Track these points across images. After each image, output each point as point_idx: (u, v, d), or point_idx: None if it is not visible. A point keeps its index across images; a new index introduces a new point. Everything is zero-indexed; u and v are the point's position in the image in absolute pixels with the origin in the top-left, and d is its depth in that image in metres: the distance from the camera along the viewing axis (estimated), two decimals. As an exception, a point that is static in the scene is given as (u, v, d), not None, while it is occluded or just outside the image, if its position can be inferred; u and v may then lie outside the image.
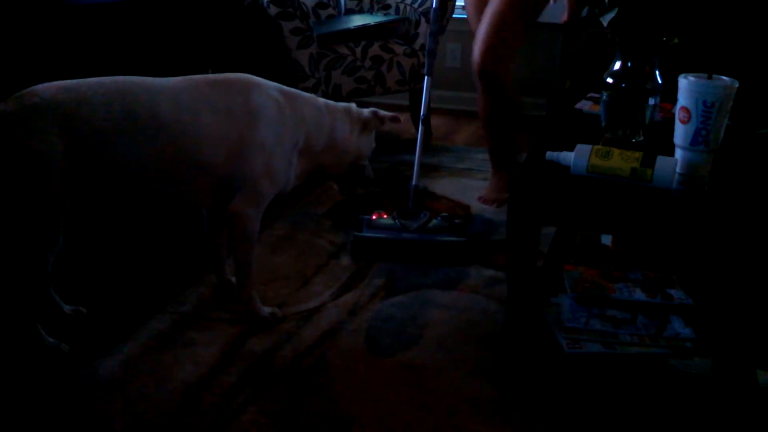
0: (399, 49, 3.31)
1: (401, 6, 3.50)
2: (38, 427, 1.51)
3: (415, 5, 3.41)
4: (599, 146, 1.43)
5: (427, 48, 2.56)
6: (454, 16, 3.40)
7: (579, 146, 1.44)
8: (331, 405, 1.58)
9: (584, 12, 1.65)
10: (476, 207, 2.68)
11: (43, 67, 2.12)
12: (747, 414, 1.45)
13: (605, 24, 1.56)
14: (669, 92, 1.53)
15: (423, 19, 3.34)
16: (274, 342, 1.82)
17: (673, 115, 1.47)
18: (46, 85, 1.60)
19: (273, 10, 2.97)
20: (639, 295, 1.65)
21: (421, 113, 2.54)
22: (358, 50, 3.21)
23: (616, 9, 1.53)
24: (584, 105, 1.94)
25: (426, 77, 2.55)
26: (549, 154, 1.47)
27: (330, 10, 3.64)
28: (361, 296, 2.05)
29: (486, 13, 2.43)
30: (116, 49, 2.44)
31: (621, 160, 1.40)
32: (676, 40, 1.56)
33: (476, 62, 2.46)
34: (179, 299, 2.01)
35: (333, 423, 1.52)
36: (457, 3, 3.43)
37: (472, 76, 2.55)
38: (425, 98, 2.57)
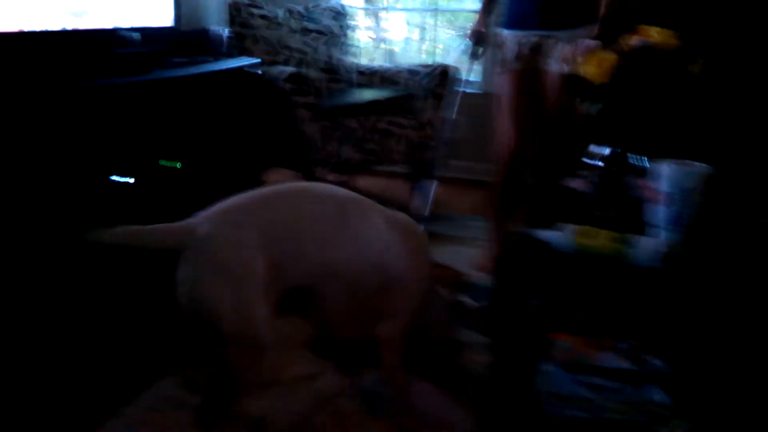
0: (407, 122, 3.46)
1: (410, 82, 3.67)
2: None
3: (423, 82, 3.58)
4: (585, 226, 1.54)
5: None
6: (456, 88, 3.55)
7: (563, 225, 1.55)
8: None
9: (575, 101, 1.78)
10: (474, 275, 2.77)
11: (58, 148, 2.25)
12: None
13: (593, 113, 1.68)
14: (651, 173, 1.64)
15: (430, 95, 3.50)
16: (269, 405, 1.89)
17: (657, 195, 1.58)
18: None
19: (288, 86, 3.14)
20: (623, 363, 1.73)
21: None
22: (368, 124, 3.36)
23: (602, 103, 1.66)
24: (571, 182, 2.05)
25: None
26: (535, 232, 1.58)
27: (342, 85, 3.83)
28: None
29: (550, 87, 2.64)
30: (135, 127, 2.59)
31: (603, 239, 1.50)
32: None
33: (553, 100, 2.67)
34: (184, 361, 2.09)
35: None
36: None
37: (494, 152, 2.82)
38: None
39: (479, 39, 3.00)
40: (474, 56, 3.04)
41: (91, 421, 1.80)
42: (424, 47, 4.99)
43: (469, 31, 3.03)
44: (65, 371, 2.00)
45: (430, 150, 3.16)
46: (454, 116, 3.03)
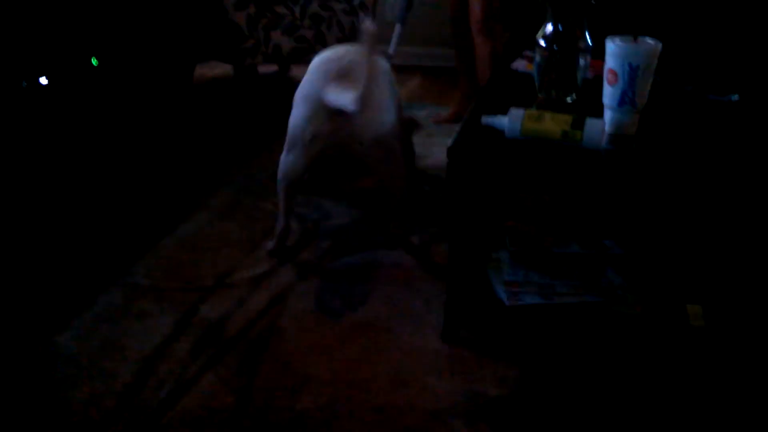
0: (338, 6, 3.29)
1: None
2: (-4, 406, 1.54)
3: (353, -40, 3.38)
4: (532, 110, 1.49)
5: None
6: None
7: (512, 110, 1.50)
8: (285, 367, 1.64)
9: None
10: (420, 164, 2.73)
11: None
12: (678, 349, 1.56)
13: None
14: (599, 50, 1.59)
15: (361, -25, 3.32)
16: (226, 308, 1.86)
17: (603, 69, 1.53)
18: None
19: (208, -30, 2.92)
20: (574, 247, 1.75)
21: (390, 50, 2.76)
22: (297, 9, 3.18)
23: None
24: (520, 64, 1.99)
25: (397, 25, 2.82)
26: (485, 119, 1.53)
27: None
28: (309, 258, 2.10)
29: None
30: (51, 17, 2.38)
31: (552, 123, 1.46)
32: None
33: (477, 18, 2.82)
34: (129, 270, 2.03)
35: (288, 384, 1.59)
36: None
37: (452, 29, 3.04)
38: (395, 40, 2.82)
39: None
40: None
41: (41, 332, 1.74)
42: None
43: None
44: (11, 284, 1.91)
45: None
46: None
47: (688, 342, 1.56)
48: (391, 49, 2.77)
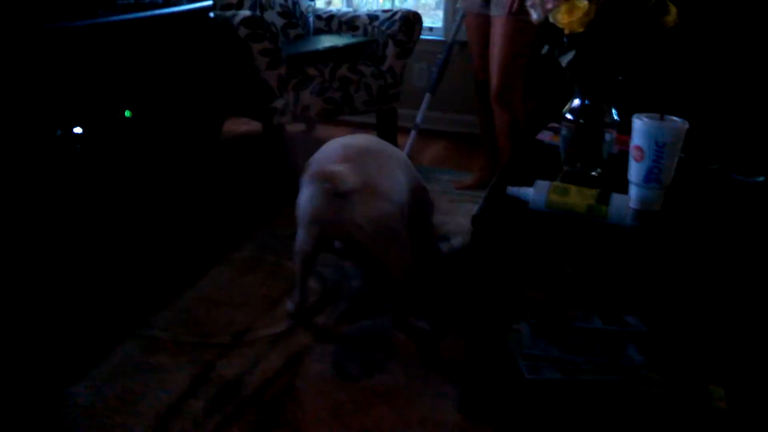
0: (367, 70, 3.36)
1: (369, 27, 3.56)
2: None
3: (383, 27, 3.47)
4: (557, 183, 1.50)
5: (433, 72, 3.19)
6: (421, 37, 3.47)
7: (538, 182, 1.51)
8: (300, 431, 1.62)
9: (544, 49, 1.72)
10: (443, 230, 2.74)
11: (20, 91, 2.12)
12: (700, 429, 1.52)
13: (564, 64, 1.62)
14: (625, 125, 1.61)
15: (390, 41, 3.40)
16: (242, 366, 1.85)
17: (629, 145, 1.54)
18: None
19: (243, 31, 3.00)
20: (596, 322, 1.72)
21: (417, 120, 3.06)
22: (327, 71, 3.26)
23: (574, 51, 1.60)
24: (545, 136, 2.01)
25: (427, 94, 3.14)
26: (509, 190, 1.54)
27: (299, 30, 3.69)
28: (327, 320, 2.09)
29: (494, 51, 2.86)
30: (86, 71, 2.45)
31: (578, 197, 1.47)
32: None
33: (494, 91, 2.90)
34: (148, 322, 2.03)
35: (301, 449, 1.56)
36: (424, 24, 3.51)
37: (475, 97, 3.14)
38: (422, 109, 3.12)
39: None
40: None
41: (58, 383, 1.74)
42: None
43: None
44: (31, 333, 1.92)
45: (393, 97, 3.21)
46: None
47: (711, 424, 1.52)
48: (418, 119, 2.84)
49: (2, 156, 2.13)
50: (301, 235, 1.95)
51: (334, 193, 1.78)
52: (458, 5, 3.24)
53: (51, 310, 2.06)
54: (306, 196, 1.89)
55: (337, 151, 1.97)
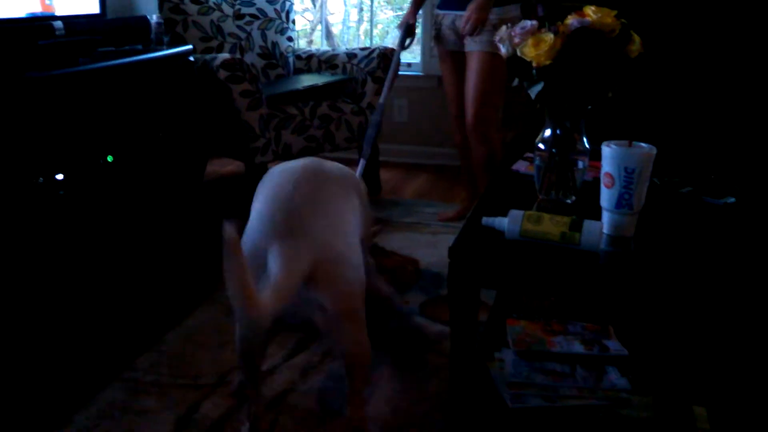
0: (346, 107, 3.41)
1: (348, 66, 3.62)
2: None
3: (362, 65, 3.53)
4: (531, 212, 1.53)
5: (367, 135, 3.07)
6: (400, 72, 3.53)
7: (512, 212, 1.53)
8: (284, 468, 1.62)
9: (514, 82, 1.76)
10: (424, 262, 2.76)
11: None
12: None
13: (533, 96, 1.67)
14: (597, 152, 1.64)
15: (369, 78, 3.46)
16: (228, 407, 1.85)
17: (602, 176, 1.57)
18: None
19: (222, 73, 3.04)
20: (577, 347, 1.74)
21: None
22: (307, 110, 3.30)
23: (542, 83, 1.64)
24: (521, 166, 2.05)
25: (361, 159, 2.96)
26: (485, 220, 1.56)
27: (279, 70, 3.75)
28: (312, 357, 2.09)
29: (468, 86, 2.91)
30: (68, 118, 2.48)
31: (551, 225, 1.49)
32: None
33: (469, 125, 2.96)
34: (133, 365, 2.03)
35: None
36: (402, 60, 3.58)
37: (453, 131, 3.18)
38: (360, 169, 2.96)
39: (408, 30, 3.12)
40: (402, 46, 3.15)
41: (43, 429, 1.74)
42: (362, 28, 4.93)
43: (400, 21, 3.17)
44: (10, 378, 1.92)
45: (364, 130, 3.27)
46: (382, 99, 3.12)
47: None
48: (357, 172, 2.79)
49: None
50: (244, 328, 1.55)
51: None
52: (432, 43, 3.32)
53: (35, 355, 2.05)
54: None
55: (275, 214, 1.54)
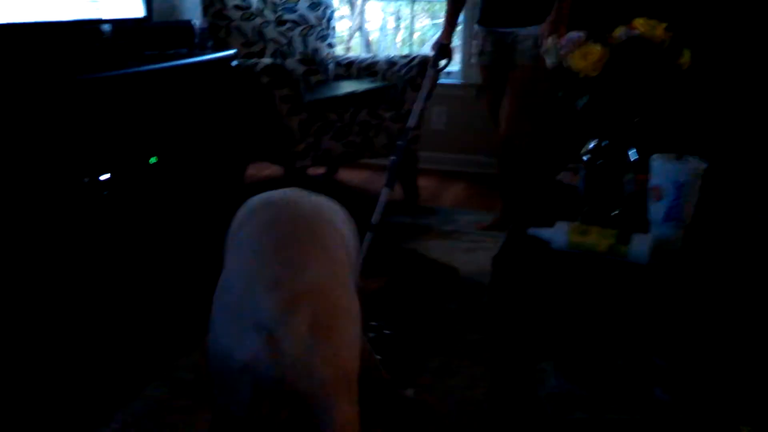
0: (386, 114, 3.43)
1: (387, 73, 3.63)
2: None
3: (401, 73, 3.54)
4: (578, 223, 1.52)
5: (390, 162, 2.72)
6: (439, 81, 3.53)
7: (559, 223, 1.53)
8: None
9: (559, 93, 1.76)
10: (463, 270, 2.75)
11: (30, 146, 2.18)
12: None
13: (579, 107, 1.66)
14: (643, 164, 1.63)
15: (408, 86, 3.47)
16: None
17: (648, 185, 1.56)
18: None
19: (265, 78, 3.08)
20: (621, 362, 1.72)
21: (372, 219, 2.54)
22: (347, 116, 3.32)
23: (588, 95, 1.64)
24: (564, 176, 2.04)
25: (384, 188, 2.63)
26: (531, 230, 1.56)
27: (320, 76, 3.78)
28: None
29: (507, 100, 2.95)
30: (114, 119, 2.52)
31: (598, 237, 1.49)
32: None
33: (502, 136, 2.98)
34: (176, 365, 2.06)
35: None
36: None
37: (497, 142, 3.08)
38: (380, 208, 2.60)
39: (442, 51, 2.99)
40: (435, 68, 2.97)
41: (86, 426, 1.77)
42: (399, 36, 4.95)
43: (434, 42, 3.09)
44: (55, 376, 1.96)
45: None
46: (411, 123, 2.84)
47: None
48: (375, 218, 2.53)
49: (33, 203, 2.19)
50: (226, 405, 1.22)
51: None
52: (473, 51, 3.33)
53: (80, 352, 2.09)
54: (227, 332, 1.20)
55: (265, 250, 1.28)
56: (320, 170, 4.21)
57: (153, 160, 2.80)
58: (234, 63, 3.21)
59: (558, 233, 1.51)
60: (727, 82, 2.06)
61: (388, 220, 3.24)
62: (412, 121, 2.83)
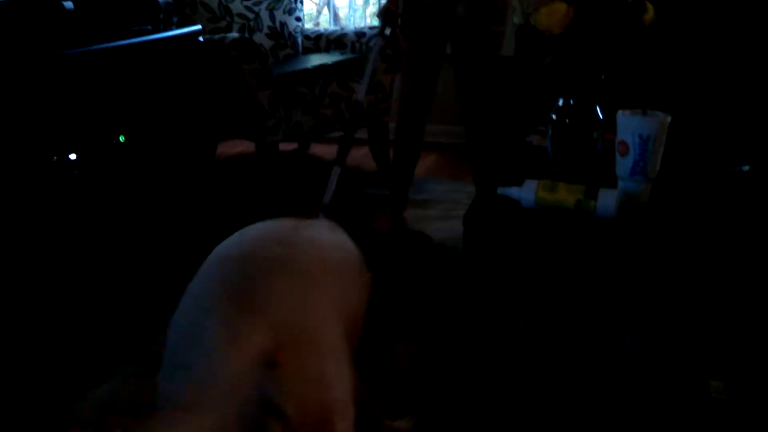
0: (356, 86, 3.41)
1: (357, 44, 3.61)
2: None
3: (371, 44, 3.52)
4: (546, 180, 1.53)
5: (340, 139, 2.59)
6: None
7: (527, 181, 1.54)
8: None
9: (546, 61, 1.76)
10: (437, 238, 2.75)
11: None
12: (699, 423, 1.53)
13: (545, 65, 1.67)
14: (610, 123, 1.64)
15: (378, 57, 3.44)
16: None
17: (614, 145, 1.58)
18: None
19: (233, 53, 3.04)
20: (591, 318, 1.74)
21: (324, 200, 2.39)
22: (317, 89, 3.30)
23: (553, 54, 1.64)
24: (534, 139, 2.05)
25: (335, 167, 2.46)
26: (500, 189, 1.57)
27: (288, 50, 3.74)
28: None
29: None
30: (80, 98, 2.48)
31: (566, 193, 1.49)
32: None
33: None
34: (156, 340, 2.05)
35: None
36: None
37: None
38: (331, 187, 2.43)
39: (388, 18, 2.67)
40: (382, 37, 2.71)
41: (61, 403, 1.77)
42: (368, 10, 4.91)
43: (379, 8, 2.77)
44: (30, 355, 1.94)
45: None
46: (360, 96, 2.67)
47: (711, 414, 1.54)
48: (327, 198, 2.39)
49: (2, 182, 2.16)
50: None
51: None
52: None
53: (54, 333, 2.08)
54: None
55: (223, 273, 1.15)
56: (292, 146, 4.19)
57: (122, 138, 2.76)
58: (200, 38, 3.17)
59: (526, 191, 1.52)
60: (691, 36, 2.08)
61: (366, 192, 3.25)
62: (360, 95, 2.65)
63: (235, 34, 3.17)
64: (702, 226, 1.51)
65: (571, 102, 1.72)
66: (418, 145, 2.93)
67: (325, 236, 1.29)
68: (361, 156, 3.88)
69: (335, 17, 4.87)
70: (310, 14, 5.01)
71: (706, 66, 2.09)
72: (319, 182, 1.81)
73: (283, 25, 3.77)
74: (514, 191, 1.55)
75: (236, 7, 3.61)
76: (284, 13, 3.78)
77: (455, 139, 4.13)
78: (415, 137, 2.89)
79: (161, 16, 3.18)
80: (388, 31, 2.71)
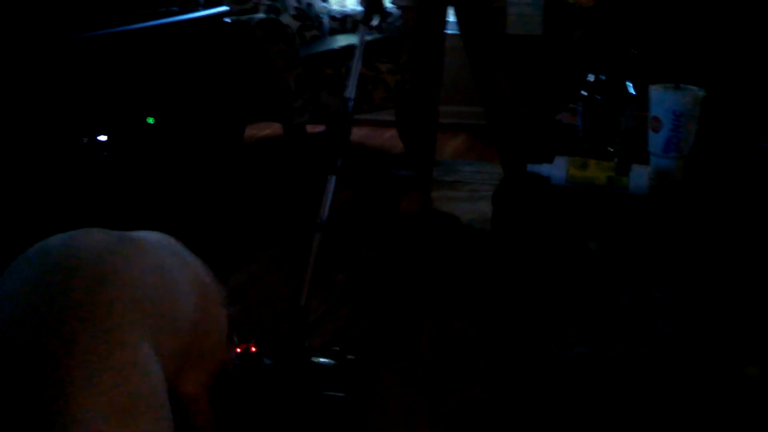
0: (384, 67, 3.39)
1: (383, 25, 3.58)
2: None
3: (398, 24, 3.48)
4: (576, 157, 1.51)
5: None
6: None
7: (558, 158, 1.51)
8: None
9: (577, 34, 1.73)
10: (465, 218, 2.74)
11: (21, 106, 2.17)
12: (734, 406, 1.51)
13: (575, 39, 1.63)
14: (641, 99, 1.61)
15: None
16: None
17: (646, 122, 1.54)
18: None
19: (259, 34, 3.04)
20: (624, 298, 1.72)
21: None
22: (344, 69, 3.28)
23: (583, 28, 1.61)
24: (563, 116, 2.02)
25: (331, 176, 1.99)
26: (530, 167, 1.54)
27: (314, 31, 3.72)
28: (355, 311, 2.11)
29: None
30: (108, 79, 2.50)
31: (597, 170, 1.47)
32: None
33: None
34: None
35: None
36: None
37: None
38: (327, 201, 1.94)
39: (372, 5, 2.36)
40: (367, 25, 2.37)
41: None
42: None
43: None
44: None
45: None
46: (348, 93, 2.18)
47: (745, 397, 1.51)
48: (324, 215, 1.91)
49: (33, 163, 2.18)
50: None
51: None
52: None
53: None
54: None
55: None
56: (320, 128, 4.19)
57: (150, 120, 2.78)
58: (227, 20, 3.16)
59: (557, 168, 1.50)
60: (726, 7, 2.02)
61: (394, 173, 3.24)
62: (349, 91, 2.18)
63: (261, 15, 3.16)
64: (737, 204, 1.48)
65: (602, 78, 1.68)
66: (434, 122, 2.87)
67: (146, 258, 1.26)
68: (388, 138, 3.86)
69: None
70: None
71: (742, 38, 2.04)
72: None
73: (310, 5, 3.75)
74: (544, 168, 1.53)
75: (262, -12, 3.60)
76: (310, -7, 3.76)
77: (483, 121, 4.10)
78: (428, 112, 2.85)
79: (188, -3, 3.19)
80: (375, 21, 2.42)
